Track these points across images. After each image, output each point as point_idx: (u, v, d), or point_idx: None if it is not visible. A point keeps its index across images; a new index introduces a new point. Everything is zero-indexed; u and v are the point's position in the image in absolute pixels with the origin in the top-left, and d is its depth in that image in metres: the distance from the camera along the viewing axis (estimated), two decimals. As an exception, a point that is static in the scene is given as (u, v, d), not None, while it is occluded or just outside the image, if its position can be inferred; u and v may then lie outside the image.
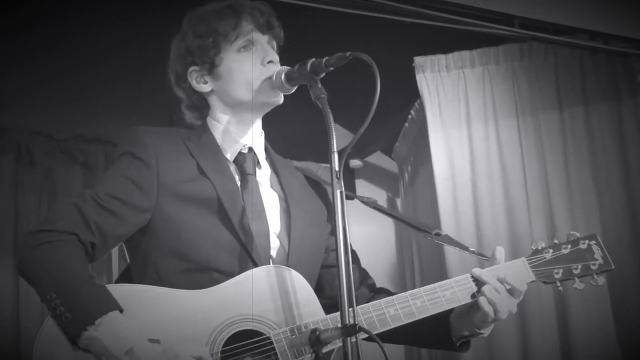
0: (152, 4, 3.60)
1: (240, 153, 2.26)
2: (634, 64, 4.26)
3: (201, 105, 2.32)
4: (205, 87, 2.28)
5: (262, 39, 2.26)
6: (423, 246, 5.21)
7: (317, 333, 1.94)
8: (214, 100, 2.29)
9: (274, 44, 2.29)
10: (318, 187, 2.45)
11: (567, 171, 4.28)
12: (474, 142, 4.39)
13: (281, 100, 2.25)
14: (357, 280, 2.35)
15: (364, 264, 2.43)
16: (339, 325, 1.85)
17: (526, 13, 3.99)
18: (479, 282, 2.21)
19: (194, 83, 2.28)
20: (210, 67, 2.25)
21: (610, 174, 4.25)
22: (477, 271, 2.22)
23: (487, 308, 2.17)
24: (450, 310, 2.23)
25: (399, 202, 5.94)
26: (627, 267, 4.10)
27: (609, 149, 4.28)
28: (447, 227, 4.26)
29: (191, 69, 2.27)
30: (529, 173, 4.31)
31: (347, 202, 1.94)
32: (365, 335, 1.97)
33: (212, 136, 2.27)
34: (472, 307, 2.20)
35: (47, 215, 2.13)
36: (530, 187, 4.29)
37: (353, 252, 2.37)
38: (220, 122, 2.29)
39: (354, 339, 1.83)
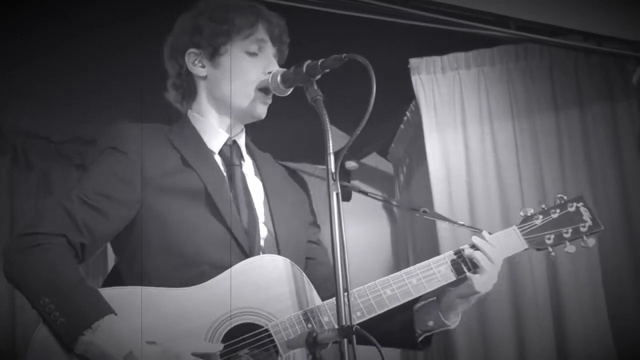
0: (152, 4, 3.59)
1: (225, 145, 2.26)
2: (628, 65, 4.28)
3: (189, 88, 2.31)
4: (200, 71, 2.27)
5: (270, 49, 2.27)
6: (419, 246, 5.22)
7: (314, 335, 1.94)
8: (203, 88, 2.29)
9: (277, 59, 2.29)
10: (297, 177, 2.45)
11: (562, 172, 4.29)
12: (469, 143, 4.39)
13: (263, 115, 2.26)
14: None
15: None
16: (336, 326, 1.86)
17: (521, 15, 4.00)
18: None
19: (190, 64, 2.27)
20: (213, 53, 2.24)
21: (605, 174, 4.26)
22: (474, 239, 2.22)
23: (484, 262, 2.17)
24: (415, 302, 2.22)
25: (394, 203, 5.94)
26: (622, 267, 4.11)
27: (604, 149, 4.29)
28: (443, 227, 4.26)
29: (191, 50, 2.26)
30: (524, 174, 4.31)
31: (342, 203, 1.95)
32: (360, 320, 2.01)
33: (194, 129, 2.27)
34: (464, 285, 2.20)
35: (33, 218, 2.11)
36: (526, 188, 4.29)
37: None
38: (203, 115, 2.28)
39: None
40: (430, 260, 2.20)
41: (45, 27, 3.79)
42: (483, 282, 2.19)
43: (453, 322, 2.24)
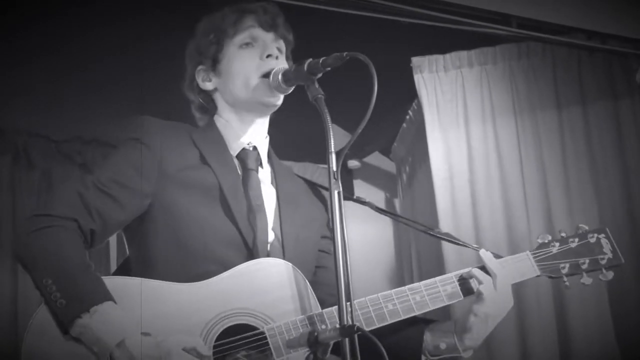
0: (152, 4, 3.59)
1: (244, 149, 2.28)
2: (631, 63, 4.26)
3: (208, 105, 2.34)
4: (209, 85, 2.32)
5: (265, 36, 2.27)
6: (422, 247, 5.20)
7: (315, 334, 1.93)
8: (218, 98, 2.32)
9: (281, 43, 2.31)
10: (317, 192, 2.46)
11: (565, 170, 4.28)
12: (472, 142, 4.38)
13: (279, 102, 2.26)
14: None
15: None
16: (337, 325, 1.85)
17: (524, 13, 3.98)
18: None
19: (200, 81, 2.32)
20: (214, 64, 2.29)
21: (608, 172, 4.25)
22: (482, 254, 2.20)
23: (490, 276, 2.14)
24: (427, 323, 2.21)
25: (397, 202, 5.93)
26: (626, 266, 4.03)
27: (606, 148, 4.27)
28: (446, 227, 4.24)
29: (199, 68, 2.31)
30: (527, 172, 4.30)
31: (345, 203, 1.94)
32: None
33: (217, 131, 2.30)
34: (476, 299, 2.17)
35: (46, 200, 2.14)
36: (529, 186, 4.28)
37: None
38: (225, 119, 2.30)
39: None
40: (436, 278, 2.17)
41: (45, 27, 3.79)
42: (494, 299, 2.15)
43: (466, 348, 2.18)
